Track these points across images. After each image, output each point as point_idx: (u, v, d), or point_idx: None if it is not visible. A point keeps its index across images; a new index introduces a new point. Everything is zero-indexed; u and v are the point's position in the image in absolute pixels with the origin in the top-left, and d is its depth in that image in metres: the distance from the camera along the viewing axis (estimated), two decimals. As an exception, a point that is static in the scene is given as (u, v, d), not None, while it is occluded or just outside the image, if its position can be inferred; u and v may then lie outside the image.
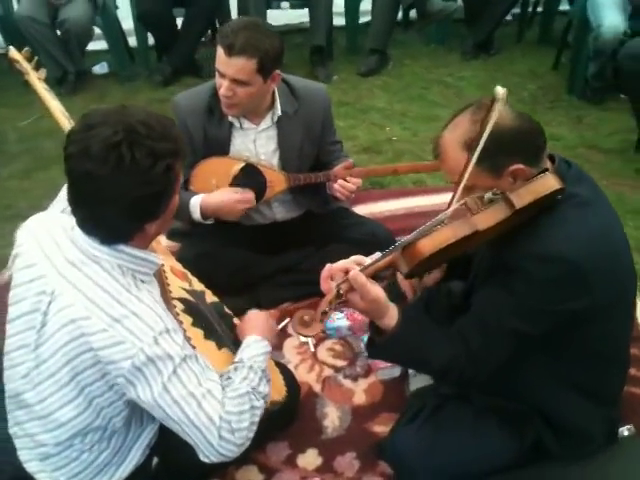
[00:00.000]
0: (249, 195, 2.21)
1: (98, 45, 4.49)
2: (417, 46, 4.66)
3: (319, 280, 2.34)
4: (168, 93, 4.20)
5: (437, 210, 2.74)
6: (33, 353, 1.36)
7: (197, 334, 1.60)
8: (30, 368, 1.37)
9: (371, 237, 2.37)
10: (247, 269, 2.39)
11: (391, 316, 1.43)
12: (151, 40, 4.40)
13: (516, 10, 4.63)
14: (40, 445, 1.44)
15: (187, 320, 1.61)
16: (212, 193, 2.19)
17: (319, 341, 2.24)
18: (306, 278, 2.41)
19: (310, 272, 2.39)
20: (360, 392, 2.04)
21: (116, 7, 4.38)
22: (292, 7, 4.33)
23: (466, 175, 1.32)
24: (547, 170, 1.39)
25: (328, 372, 2.12)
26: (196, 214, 2.18)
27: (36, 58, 2.16)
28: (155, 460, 1.61)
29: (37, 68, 2.13)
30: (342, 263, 1.41)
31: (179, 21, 4.26)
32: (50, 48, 4.06)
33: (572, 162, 1.48)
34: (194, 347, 1.50)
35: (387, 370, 2.05)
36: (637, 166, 3.18)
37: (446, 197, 2.82)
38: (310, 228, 2.44)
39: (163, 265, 1.77)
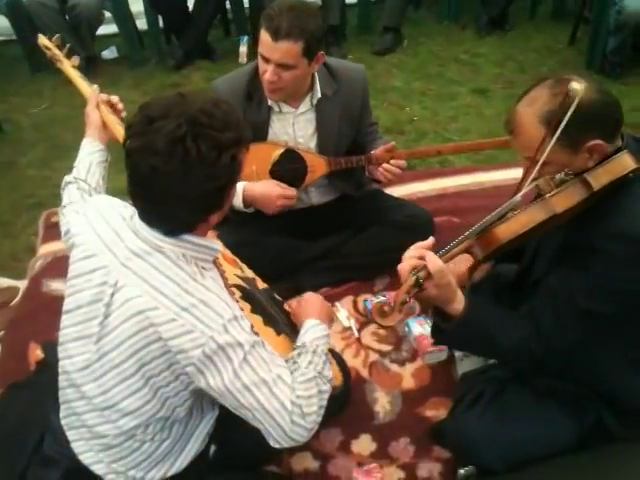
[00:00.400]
0: (291, 192, 2.19)
1: (106, 29, 4.42)
2: (430, 24, 4.60)
3: (358, 264, 2.38)
4: (181, 77, 4.16)
5: (469, 190, 2.80)
6: (95, 345, 1.34)
7: (257, 321, 1.59)
8: (91, 360, 1.36)
9: (412, 219, 2.35)
10: (287, 255, 2.37)
11: (460, 300, 1.42)
12: (160, 23, 4.32)
13: (529, -16, 4.58)
14: (99, 436, 1.43)
15: (246, 307, 1.59)
16: (256, 182, 2.17)
17: (362, 326, 2.23)
18: (345, 262, 2.41)
19: (349, 256, 2.41)
20: (408, 376, 2.04)
21: (124, -10, 4.30)
22: (304, -14, 4.25)
23: (547, 150, 1.30)
24: (620, 147, 1.38)
25: (374, 357, 2.11)
26: (238, 202, 2.16)
27: (68, 45, 2.11)
28: (212, 448, 1.60)
29: (69, 56, 2.07)
30: (415, 251, 1.39)
31: (190, 4, 4.19)
32: (60, 33, 3.97)
33: (629, 135, 1.45)
34: (257, 334, 1.49)
35: (434, 354, 2.05)
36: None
37: (477, 176, 2.84)
38: (347, 211, 2.42)
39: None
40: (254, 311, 1.60)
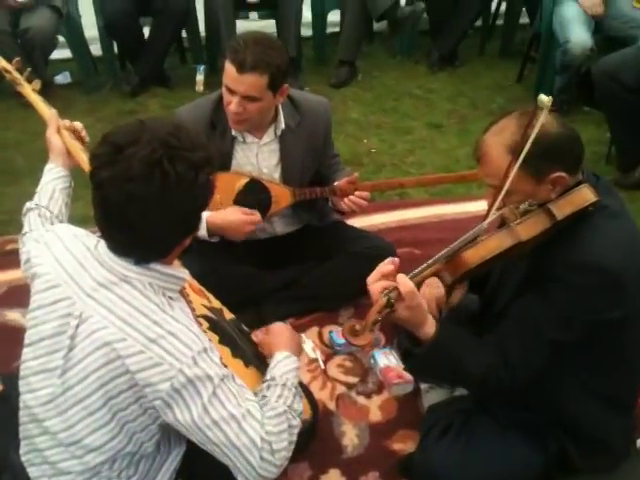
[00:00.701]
0: (256, 217, 2.18)
1: (59, 54, 4.33)
2: (384, 58, 4.70)
3: (321, 294, 2.38)
4: (137, 104, 4.11)
5: (427, 222, 2.84)
6: (59, 379, 1.30)
7: (225, 352, 1.57)
8: (55, 394, 1.32)
9: (375, 250, 2.37)
10: (249, 285, 2.37)
11: (430, 324, 1.45)
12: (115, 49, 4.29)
13: (477, 22, 4.73)
14: (63, 473, 1.37)
15: (214, 337, 1.58)
16: (219, 211, 2.16)
17: (328, 358, 2.22)
18: (309, 293, 2.41)
19: (312, 286, 2.41)
20: (375, 409, 2.04)
21: (79, 15, 4.24)
22: (260, 17, 4.30)
23: (510, 178, 1.36)
24: (581, 181, 1.45)
25: (341, 389, 2.11)
26: (202, 231, 2.14)
27: (28, 69, 2.06)
28: (179, 485, 1.57)
29: (30, 80, 2.03)
30: (381, 270, 1.44)
31: (146, 31, 4.17)
32: (11, 57, 3.89)
33: (600, 175, 1.54)
34: (225, 365, 1.47)
35: (400, 386, 2.06)
36: (609, 177, 3.29)
37: (438, 209, 2.89)
38: (310, 242, 2.44)
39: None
40: (222, 342, 1.59)
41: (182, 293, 1.60)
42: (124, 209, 1.22)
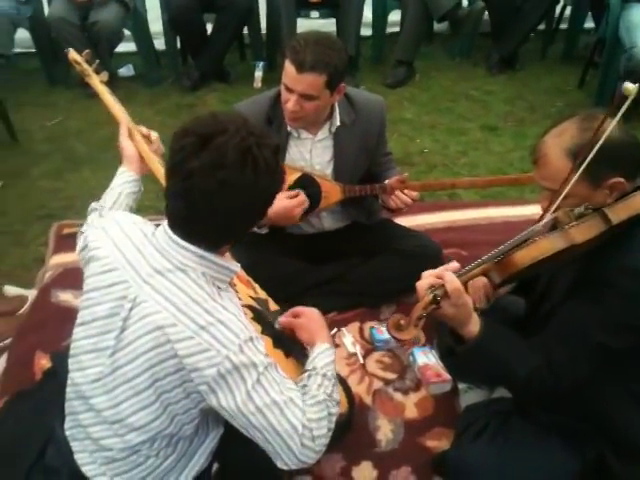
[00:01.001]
0: (301, 197, 2.21)
1: (123, 47, 4.47)
2: (442, 59, 4.68)
3: (365, 290, 2.40)
4: (196, 98, 4.21)
5: (477, 224, 2.81)
6: (109, 358, 1.35)
7: (267, 342, 1.60)
8: (104, 373, 1.37)
9: (422, 249, 2.38)
10: (295, 278, 2.39)
11: (475, 322, 1.45)
12: (178, 44, 4.40)
13: (540, 26, 4.65)
14: (104, 449, 1.43)
15: (257, 328, 1.61)
16: None
17: (367, 353, 2.24)
18: (352, 288, 2.42)
19: (356, 282, 2.43)
20: (411, 406, 2.05)
21: (145, 10, 4.38)
22: (321, 16, 4.33)
23: (570, 183, 1.35)
24: (638, 187, 1.42)
25: (378, 384, 2.12)
26: None
27: (97, 61, 2.15)
28: (215, 466, 1.60)
29: (98, 71, 2.12)
30: (435, 271, 1.43)
31: (209, 27, 4.27)
32: (80, 49, 4.03)
33: None
34: (267, 355, 1.51)
35: (438, 385, 2.06)
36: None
37: (485, 211, 2.86)
38: (357, 238, 2.45)
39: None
40: (264, 332, 1.62)
41: (230, 283, 1.66)
42: (215, 196, 1.26)
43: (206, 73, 4.29)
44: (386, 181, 2.26)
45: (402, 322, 1.39)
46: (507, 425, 1.67)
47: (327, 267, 2.45)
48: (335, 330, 2.31)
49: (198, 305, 1.30)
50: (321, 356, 1.55)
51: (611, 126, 1.30)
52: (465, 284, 1.41)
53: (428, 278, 1.42)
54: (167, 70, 4.51)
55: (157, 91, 4.31)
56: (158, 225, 1.41)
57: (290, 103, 2.03)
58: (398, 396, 2.08)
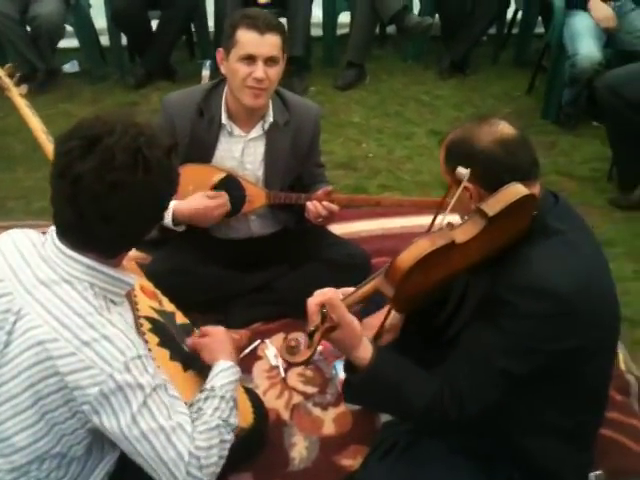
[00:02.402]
0: (222, 200, 2.16)
1: (69, 43, 4.36)
2: (394, 61, 4.64)
3: (292, 300, 2.33)
4: (140, 96, 4.11)
5: (414, 232, 2.77)
6: None
7: (163, 354, 1.55)
8: None
9: (347, 258, 2.34)
10: (219, 286, 2.34)
11: (365, 349, 1.39)
12: (124, 40, 4.29)
13: (492, 31, 4.64)
14: None
15: (153, 340, 1.56)
16: (185, 200, 2.14)
17: (289, 366, 2.18)
18: (278, 297, 2.37)
19: (282, 292, 2.37)
20: (329, 421, 2.00)
21: (89, 5, 4.27)
22: (270, 16, 4.26)
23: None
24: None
25: (298, 399, 2.06)
26: (167, 219, 2.12)
27: (18, 75, 2.16)
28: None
29: (19, 84, 2.13)
30: (324, 290, 1.41)
31: (154, 23, 4.17)
32: (19, 44, 3.93)
33: (561, 197, 1.48)
34: (158, 367, 1.44)
35: (358, 399, 2.01)
36: (609, 196, 3.20)
37: (423, 219, 2.82)
38: (286, 245, 2.40)
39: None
40: (161, 344, 1.57)
41: (129, 295, 1.59)
42: (105, 200, 1.21)
43: (152, 71, 4.19)
44: (312, 193, 2.21)
45: (292, 344, 1.35)
46: (415, 445, 1.62)
47: (253, 275, 2.40)
48: (258, 342, 2.25)
49: (82, 319, 1.24)
50: (221, 375, 1.50)
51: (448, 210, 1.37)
52: (353, 305, 1.38)
53: (317, 296, 1.38)
54: (112, 67, 4.40)
55: (101, 88, 4.21)
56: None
57: (257, 72, 2.01)
58: (317, 411, 2.03)
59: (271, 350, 2.22)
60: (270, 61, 2.03)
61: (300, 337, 1.41)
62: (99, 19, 4.30)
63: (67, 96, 4.11)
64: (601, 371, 1.53)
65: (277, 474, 1.83)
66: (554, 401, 1.48)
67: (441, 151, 1.48)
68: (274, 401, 2.04)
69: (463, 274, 1.46)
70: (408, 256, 1.28)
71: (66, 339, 1.22)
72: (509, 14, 4.65)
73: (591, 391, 1.52)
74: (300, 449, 1.91)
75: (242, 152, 2.21)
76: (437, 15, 4.39)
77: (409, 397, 1.41)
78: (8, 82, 2.09)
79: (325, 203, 2.15)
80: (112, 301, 1.32)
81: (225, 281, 2.36)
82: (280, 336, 2.28)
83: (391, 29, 4.76)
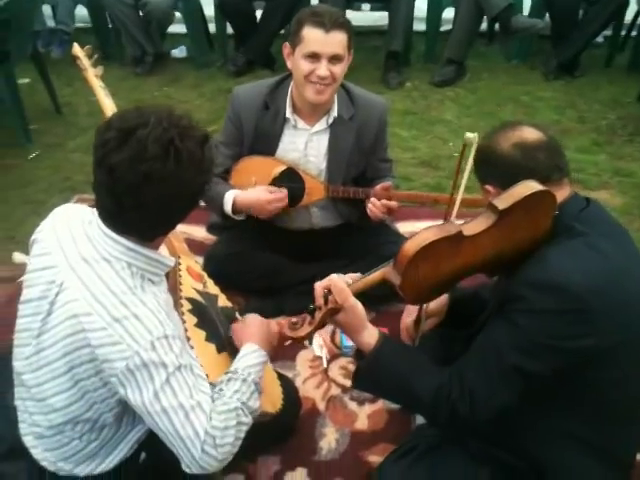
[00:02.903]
0: (281, 195, 2.20)
1: (180, 29, 4.56)
2: (498, 60, 4.51)
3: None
4: (237, 83, 4.19)
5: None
6: (35, 339, 1.38)
7: (199, 335, 1.60)
8: (31, 352, 1.40)
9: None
10: (276, 274, 2.38)
11: (370, 334, 1.42)
12: (229, 29, 4.43)
13: (608, 32, 4.40)
14: (35, 425, 1.47)
15: (191, 320, 1.61)
16: (247, 190, 2.20)
17: (333, 358, 2.19)
18: (331, 290, 2.38)
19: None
20: (363, 417, 1.99)
21: (199, -7, 4.45)
22: (372, 9, 4.26)
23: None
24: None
25: (335, 391, 2.08)
26: (227, 207, 2.20)
27: (96, 56, 2.24)
28: (143, 455, 1.62)
29: (96, 65, 2.20)
30: (332, 275, 1.45)
31: (258, 13, 4.28)
32: (131, 28, 4.17)
33: (593, 203, 1.44)
34: (192, 347, 1.50)
35: (395, 399, 1.99)
36: None
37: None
38: (347, 239, 2.41)
39: (180, 264, 1.78)
40: (198, 325, 1.62)
41: (173, 274, 1.67)
42: (140, 190, 1.26)
43: (252, 59, 4.31)
44: (371, 188, 2.20)
45: (295, 320, 1.42)
46: (435, 450, 1.59)
47: (311, 266, 2.41)
48: (307, 331, 2.27)
49: (115, 297, 1.31)
50: (246, 358, 1.53)
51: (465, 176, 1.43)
52: (360, 290, 1.41)
53: (324, 281, 1.42)
54: (218, 54, 4.56)
55: (204, 74, 4.38)
56: None
57: (321, 69, 2.04)
58: (353, 405, 2.03)
59: (317, 340, 2.24)
60: (334, 59, 2.03)
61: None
62: (208, 7, 4.47)
63: (171, 80, 4.30)
64: (633, 383, 1.43)
65: (304, 461, 1.85)
66: (576, 410, 1.41)
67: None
68: (312, 390, 2.06)
69: (480, 271, 1.42)
70: (412, 243, 1.29)
71: (99, 314, 1.29)
72: (629, 15, 4.38)
73: (622, 404, 1.43)
74: (330, 440, 1.92)
75: (306, 145, 2.24)
76: (547, 14, 4.21)
77: (414, 386, 1.40)
78: (86, 63, 2.17)
79: (383, 202, 2.14)
80: (151, 280, 1.39)
81: (282, 269, 2.40)
82: (328, 327, 2.29)
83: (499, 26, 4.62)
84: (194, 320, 1.62)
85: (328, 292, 1.39)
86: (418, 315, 1.62)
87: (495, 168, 1.40)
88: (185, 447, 1.32)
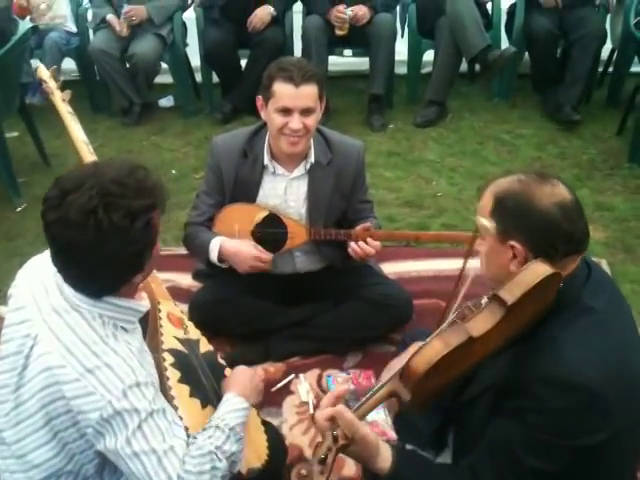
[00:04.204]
0: (265, 256, 2.22)
1: (168, 79, 4.64)
2: (479, 100, 4.58)
3: (331, 337, 2.36)
4: (225, 131, 4.27)
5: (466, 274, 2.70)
6: (13, 394, 1.39)
7: (183, 391, 1.59)
8: (11, 408, 1.40)
9: (386, 298, 2.33)
10: (262, 319, 2.40)
11: (384, 458, 1.31)
12: (216, 78, 4.51)
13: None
14: None
15: (175, 375, 1.61)
16: (235, 240, 2.23)
17: (320, 402, 2.18)
18: (318, 334, 2.40)
19: (323, 328, 2.40)
20: (351, 463, 1.96)
21: (186, 44, 4.53)
22: (354, 55, 4.35)
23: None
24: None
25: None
26: (213, 254, 2.22)
27: (62, 79, 2.23)
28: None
29: (62, 89, 2.18)
30: (326, 401, 1.33)
31: (243, 62, 4.37)
32: (118, 80, 4.25)
33: (594, 266, 1.38)
34: (176, 408, 1.50)
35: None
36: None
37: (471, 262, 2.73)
38: (330, 282, 2.42)
39: (160, 311, 1.79)
40: (182, 380, 1.61)
41: (153, 323, 1.67)
42: (66, 251, 1.30)
43: (238, 106, 4.38)
44: (352, 229, 2.23)
45: (303, 472, 1.31)
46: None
47: (295, 310, 2.44)
48: (292, 376, 2.27)
49: (87, 347, 1.32)
50: (224, 405, 1.54)
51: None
52: (366, 414, 1.29)
53: (327, 411, 1.29)
54: (205, 102, 4.63)
55: (191, 122, 4.44)
56: None
57: (293, 123, 2.06)
58: (340, 451, 2.01)
59: (304, 385, 2.24)
60: (306, 112, 2.07)
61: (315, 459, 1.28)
62: (195, 57, 4.56)
63: (159, 129, 4.37)
64: (628, 453, 1.40)
65: (289, 511, 1.83)
66: None
67: (485, 197, 1.38)
68: (300, 437, 2.05)
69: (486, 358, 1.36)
70: (422, 360, 1.21)
71: (72, 366, 1.30)
72: (604, 52, 4.48)
73: (615, 474, 1.39)
74: (317, 488, 1.90)
75: (285, 190, 2.27)
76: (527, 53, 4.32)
77: None
78: (53, 86, 2.14)
79: (369, 241, 2.16)
80: (123, 328, 1.40)
81: (268, 314, 2.42)
82: (315, 372, 2.30)
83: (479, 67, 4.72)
84: (177, 375, 1.62)
85: (332, 423, 1.27)
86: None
87: (531, 223, 1.28)
88: None
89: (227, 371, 1.83)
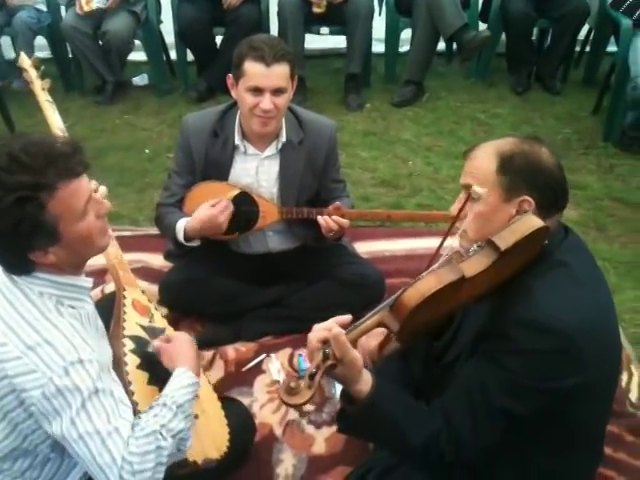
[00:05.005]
0: (224, 202, 2.15)
1: (141, 56, 4.57)
2: (456, 79, 4.57)
3: (303, 316, 2.34)
4: (199, 109, 4.23)
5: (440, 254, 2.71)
6: None
7: (141, 377, 1.58)
8: None
9: (359, 278, 2.33)
10: (233, 299, 2.37)
11: (365, 382, 1.32)
12: (190, 56, 4.45)
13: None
14: None
15: (134, 361, 1.60)
16: (192, 215, 2.17)
17: (288, 407, 2.17)
18: (289, 313, 2.39)
19: (296, 307, 2.39)
20: (321, 441, 1.98)
21: (160, 21, 4.47)
22: (331, 33, 4.30)
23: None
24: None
25: (293, 415, 2.06)
26: (180, 235, 2.18)
27: (42, 67, 2.20)
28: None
29: (43, 77, 2.16)
30: (325, 323, 1.33)
31: (219, 39, 4.31)
32: (91, 57, 4.18)
33: (571, 231, 1.42)
34: (132, 393, 1.49)
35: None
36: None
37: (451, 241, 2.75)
38: (303, 262, 2.41)
39: (124, 298, 1.76)
40: (141, 367, 1.60)
41: (117, 309, 1.65)
42: None
43: (213, 85, 4.32)
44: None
45: (292, 385, 1.24)
46: (392, 471, 1.57)
47: (267, 290, 2.42)
48: (264, 356, 2.26)
49: (28, 324, 1.30)
50: (173, 382, 1.49)
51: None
52: (357, 339, 1.30)
53: (319, 332, 1.30)
54: (179, 81, 4.57)
55: (165, 101, 4.38)
56: None
57: (264, 103, 2.03)
58: (310, 429, 2.02)
59: (275, 364, 2.23)
60: (277, 92, 2.04)
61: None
62: (170, 35, 4.49)
63: (133, 107, 4.31)
64: (599, 412, 1.44)
65: (259, 489, 1.84)
66: (546, 445, 1.38)
67: (481, 158, 1.37)
68: (270, 416, 2.05)
69: (468, 304, 1.40)
70: (415, 293, 1.22)
71: (13, 343, 1.28)
72: (583, 32, 4.48)
73: (587, 433, 1.43)
74: (287, 466, 1.90)
75: (257, 170, 2.25)
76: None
77: (406, 434, 1.34)
78: (33, 75, 2.12)
79: (335, 217, 2.15)
80: (71, 306, 1.38)
81: (240, 294, 2.39)
82: (287, 351, 2.30)
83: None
84: (137, 361, 1.60)
85: (326, 346, 1.27)
86: (385, 339, 1.50)
87: (542, 180, 1.33)
88: (103, 474, 1.29)
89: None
